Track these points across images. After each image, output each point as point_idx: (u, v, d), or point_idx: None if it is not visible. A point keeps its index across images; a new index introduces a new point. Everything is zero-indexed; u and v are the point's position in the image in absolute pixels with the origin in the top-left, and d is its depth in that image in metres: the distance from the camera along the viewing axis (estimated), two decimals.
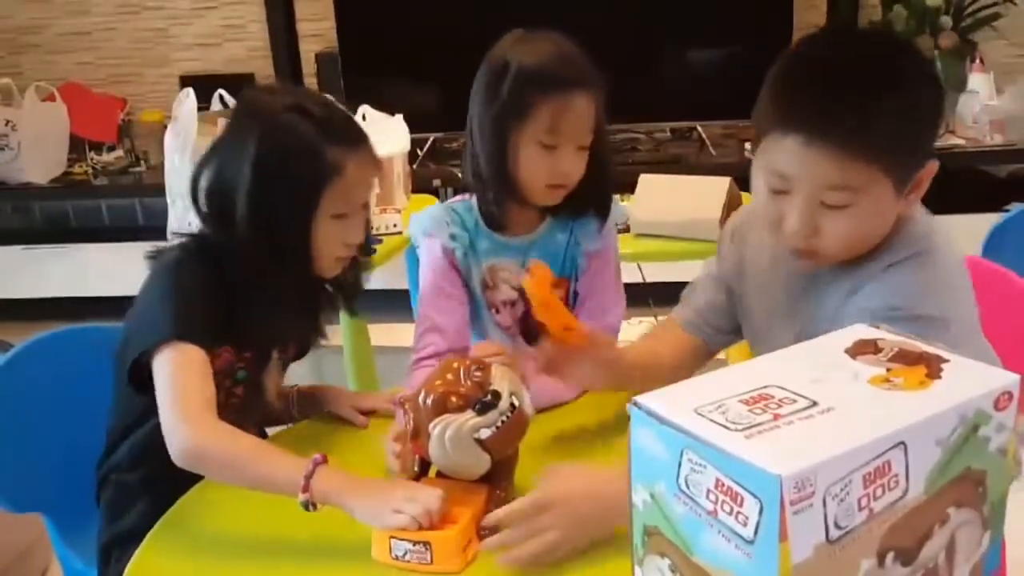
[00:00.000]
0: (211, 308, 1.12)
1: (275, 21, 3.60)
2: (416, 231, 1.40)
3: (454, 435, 0.94)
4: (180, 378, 1.05)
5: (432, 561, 0.92)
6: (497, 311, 1.38)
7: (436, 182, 3.15)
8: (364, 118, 2.46)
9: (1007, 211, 2.14)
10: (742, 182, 2.18)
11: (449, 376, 0.98)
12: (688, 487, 0.64)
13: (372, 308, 2.41)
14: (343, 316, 2.26)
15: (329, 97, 1.28)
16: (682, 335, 1.22)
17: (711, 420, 0.64)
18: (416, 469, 1.03)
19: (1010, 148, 3.08)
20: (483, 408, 0.95)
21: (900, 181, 0.93)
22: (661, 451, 0.66)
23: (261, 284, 1.15)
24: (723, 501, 0.61)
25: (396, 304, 3.08)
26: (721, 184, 2.06)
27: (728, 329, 1.22)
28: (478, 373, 0.98)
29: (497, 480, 1.00)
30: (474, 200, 1.35)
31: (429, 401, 0.96)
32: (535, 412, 1.04)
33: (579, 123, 1.25)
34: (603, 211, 1.37)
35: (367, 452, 1.20)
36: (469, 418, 0.95)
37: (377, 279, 2.94)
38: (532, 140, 1.25)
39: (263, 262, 1.14)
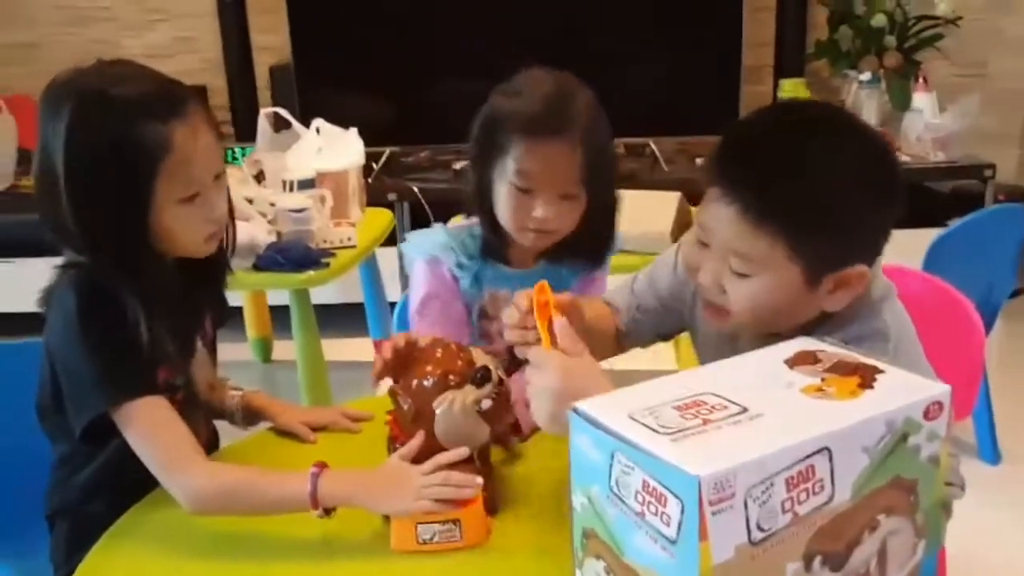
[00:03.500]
0: (134, 344, 1.05)
1: (228, 34, 3.57)
2: (414, 252, 1.36)
3: (461, 408, 1.00)
4: (151, 436, 1.04)
5: (462, 538, 0.97)
6: (491, 341, 1.36)
7: (391, 196, 3.14)
8: (318, 131, 2.46)
9: (947, 226, 2.20)
10: (693, 197, 2.23)
11: (440, 356, 1.04)
12: (619, 489, 0.66)
13: (325, 323, 2.40)
14: (296, 331, 2.26)
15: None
16: (611, 326, 1.23)
17: (642, 424, 0.66)
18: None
19: (952, 165, 3.16)
20: (481, 381, 1.01)
21: (811, 272, 0.93)
22: (595, 454, 0.68)
23: (145, 294, 1.06)
24: (649, 502, 0.63)
25: (349, 318, 3.08)
26: (671, 199, 2.09)
27: (650, 338, 1.24)
28: (463, 353, 1.05)
29: (481, 463, 1.05)
30: (479, 227, 1.33)
31: (428, 383, 1.02)
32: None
33: (553, 171, 1.20)
34: (596, 263, 1.35)
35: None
36: (471, 391, 1.01)
37: (331, 293, 2.98)
38: (505, 180, 1.23)
39: (126, 275, 1.05)
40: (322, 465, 1.01)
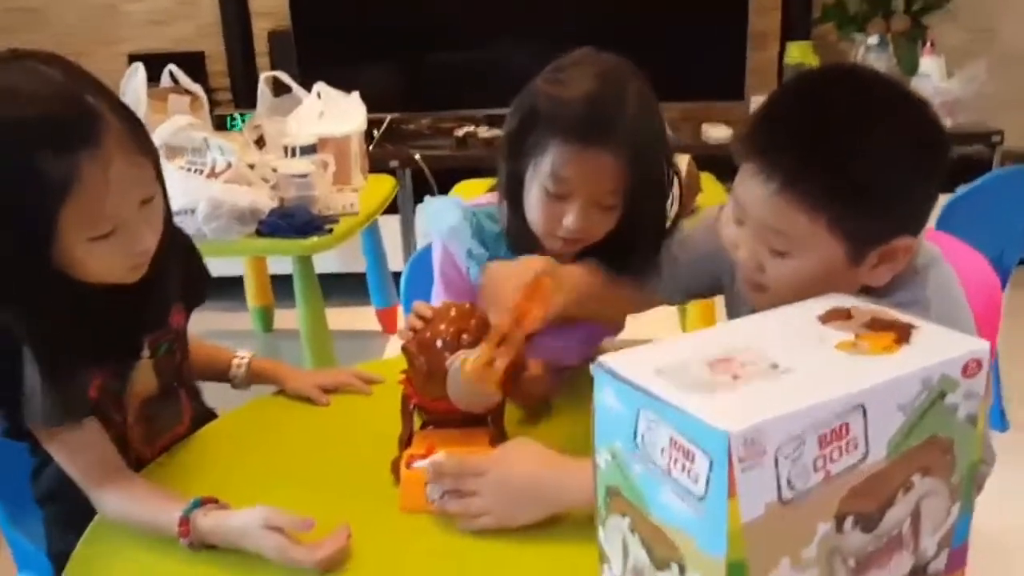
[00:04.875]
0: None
1: None
2: (431, 227, 1.27)
3: (472, 367, 0.97)
4: (65, 461, 1.02)
5: None
6: None
7: (394, 163, 3.11)
8: (319, 96, 2.42)
9: (955, 192, 2.17)
10: (699, 162, 2.19)
11: (454, 315, 1.03)
12: (645, 445, 0.64)
13: (328, 292, 2.38)
14: (300, 299, 2.24)
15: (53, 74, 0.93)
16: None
17: (670, 379, 0.64)
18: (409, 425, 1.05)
19: (960, 131, 3.12)
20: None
21: (855, 248, 0.89)
22: (620, 409, 0.66)
23: (51, 327, 0.96)
24: (676, 458, 0.62)
25: (349, 288, 3.05)
26: (681, 162, 2.04)
27: (687, 294, 1.22)
28: (477, 313, 1.04)
29: (494, 426, 1.03)
30: (504, 207, 1.22)
31: (440, 343, 1.01)
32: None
33: (591, 181, 1.10)
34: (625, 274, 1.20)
35: (334, 430, 1.18)
36: (485, 350, 0.98)
37: (333, 262, 2.95)
38: (537, 182, 1.13)
39: (22, 313, 0.94)
40: (186, 529, 0.93)
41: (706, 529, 0.61)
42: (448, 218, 1.22)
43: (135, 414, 1.11)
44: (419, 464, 0.96)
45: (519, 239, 1.20)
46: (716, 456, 0.59)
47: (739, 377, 0.64)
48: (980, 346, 0.68)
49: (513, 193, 1.17)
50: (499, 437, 1.02)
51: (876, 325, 0.72)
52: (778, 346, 0.68)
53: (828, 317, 0.74)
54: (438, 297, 1.28)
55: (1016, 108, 3.59)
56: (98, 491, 1.02)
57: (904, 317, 0.72)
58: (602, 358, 0.67)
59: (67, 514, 1.10)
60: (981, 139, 3.16)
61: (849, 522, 0.65)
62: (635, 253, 1.18)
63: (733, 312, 1.13)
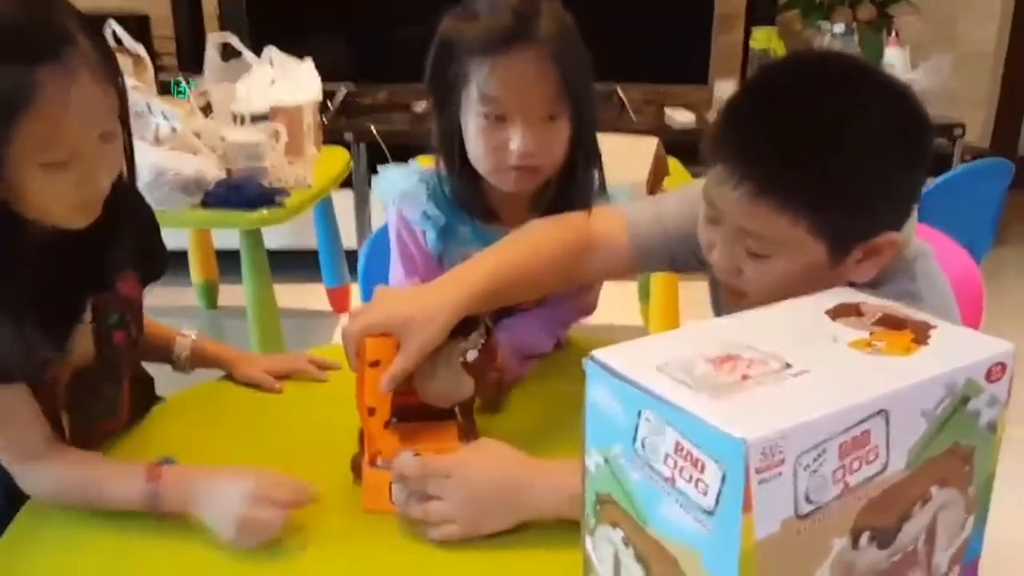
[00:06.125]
0: None
1: None
2: (386, 195, 1.21)
3: (445, 359, 0.93)
4: None
5: None
6: None
7: (349, 136, 3.01)
8: (271, 62, 2.31)
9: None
10: (664, 146, 2.13)
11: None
12: (645, 450, 0.58)
13: (277, 268, 2.28)
14: (247, 274, 2.13)
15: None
16: (620, 240, 1.07)
17: (674, 378, 0.58)
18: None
19: None
20: (466, 330, 0.94)
21: (837, 246, 0.85)
22: (618, 411, 0.59)
23: None
24: (682, 467, 0.55)
25: (302, 264, 2.95)
26: (647, 144, 1.99)
27: (672, 265, 1.11)
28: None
29: (464, 419, 0.98)
30: (443, 169, 1.16)
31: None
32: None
33: (526, 88, 1.04)
34: (585, 201, 1.12)
35: (287, 420, 1.10)
36: (457, 342, 0.94)
37: (282, 237, 2.84)
38: (473, 113, 1.06)
39: None
40: (157, 473, 0.88)
41: (715, 546, 0.54)
42: (403, 182, 1.17)
43: (65, 392, 1.01)
44: (382, 464, 0.88)
45: (466, 199, 1.15)
46: (730, 466, 0.52)
47: (749, 377, 0.58)
48: (1005, 348, 0.62)
49: (451, 145, 1.11)
50: (469, 431, 0.95)
51: (890, 323, 0.66)
52: (787, 344, 0.62)
53: (837, 313, 0.68)
54: (396, 266, 1.21)
55: (974, 105, 3.61)
56: (30, 464, 0.92)
57: (917, 315, 0.67)
58: (596, 352, 0.61)
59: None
60: (944, 132, 3.15)
61: (865, 538, 0.59)
62: (578, 179, 1.12)
63: (716, 293, 1.07)
